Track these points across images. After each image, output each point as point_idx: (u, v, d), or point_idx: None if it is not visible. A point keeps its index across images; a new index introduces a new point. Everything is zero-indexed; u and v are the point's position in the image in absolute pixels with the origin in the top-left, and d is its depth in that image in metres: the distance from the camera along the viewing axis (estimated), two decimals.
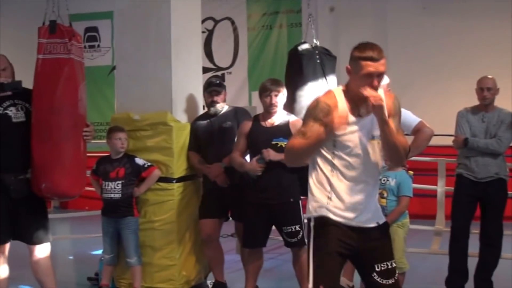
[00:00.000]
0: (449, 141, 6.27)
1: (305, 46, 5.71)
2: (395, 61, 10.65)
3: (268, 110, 5.29)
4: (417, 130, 5.44)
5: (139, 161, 5.55)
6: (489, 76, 5.92)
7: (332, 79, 5.55)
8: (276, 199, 5.18)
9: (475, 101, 5.97)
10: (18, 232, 4.75)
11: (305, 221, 3.69)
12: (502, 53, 10.09)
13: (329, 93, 3.56)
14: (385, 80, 5.76)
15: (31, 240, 4.79)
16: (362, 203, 3.52)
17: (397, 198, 5.12)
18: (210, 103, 5.70)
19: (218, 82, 5.84)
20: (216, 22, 11.53)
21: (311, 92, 5.48)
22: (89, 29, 12.01)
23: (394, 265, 3.57)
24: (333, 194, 3.50)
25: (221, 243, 5.79)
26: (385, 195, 5.14)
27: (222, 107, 5.74)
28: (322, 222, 3.49)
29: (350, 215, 3.50)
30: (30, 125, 4.69)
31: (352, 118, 3.49)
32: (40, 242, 4.81)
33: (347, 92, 3.51)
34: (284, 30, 11.16)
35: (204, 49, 11.29)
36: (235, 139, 5.45)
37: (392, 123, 3.44)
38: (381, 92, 3.43)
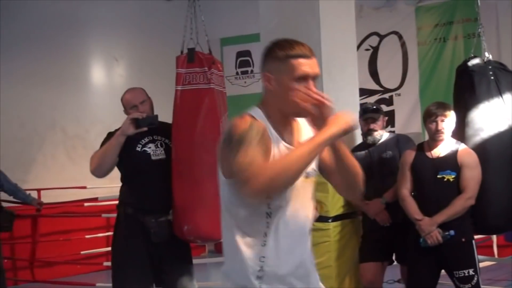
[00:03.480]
0: None
1: (476, 60, 5.57)
2: None
3: (434, 138, 5.24)
4: None
5: None
6: None
7: (509, 98, 5.38)
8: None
9: None
10: (160, 279, 4.93)
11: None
12: None
13: (246, 117, 2.82)
14: None
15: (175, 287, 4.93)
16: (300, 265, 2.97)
17: None
18: (367, 132, 5.71)
19: (374, 107, 5.86)
20: (381, 37, 11.40)
21: (484, 114, 5.34)
22: (241, 54, 12.15)
23: None
24: (269, 257, 2.88)
25: None
26: None
27: (381, 135, 5.73)
28: None
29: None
30: (171, 163, 4.87)
31: (287, 146, 2.87)
32: None
33: (269, 116, 2.86)
34: (460, 42, 10.80)
35: (368, 68, 11.25)
36: (398, 171, 5.40)
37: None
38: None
